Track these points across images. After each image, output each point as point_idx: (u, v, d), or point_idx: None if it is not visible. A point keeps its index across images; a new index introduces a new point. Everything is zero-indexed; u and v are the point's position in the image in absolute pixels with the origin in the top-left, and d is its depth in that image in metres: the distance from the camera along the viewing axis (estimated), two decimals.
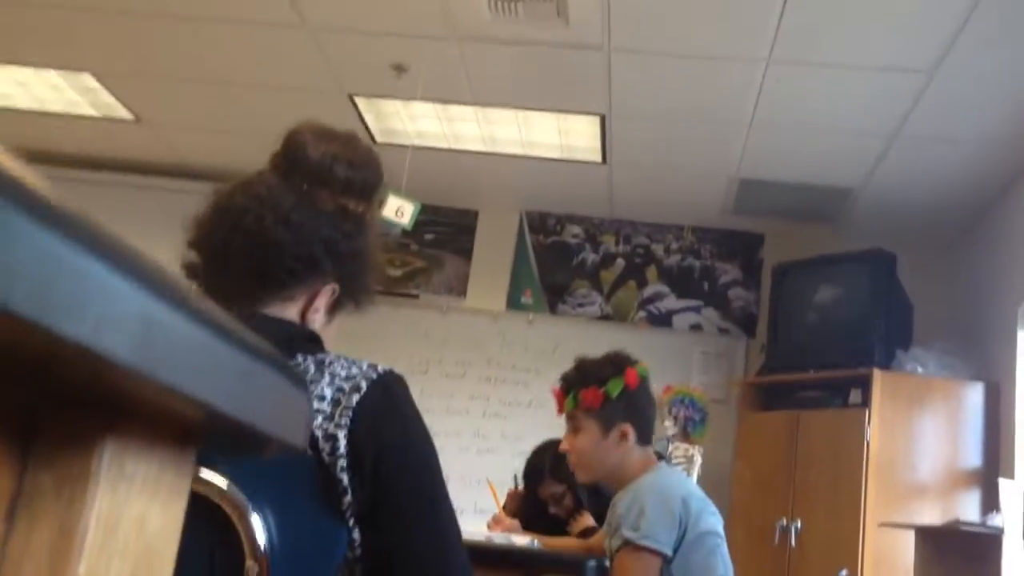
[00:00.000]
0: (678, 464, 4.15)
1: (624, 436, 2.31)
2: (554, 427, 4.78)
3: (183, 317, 0.34)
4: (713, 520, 2.29)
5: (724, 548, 2.30)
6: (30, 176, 0.28)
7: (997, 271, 4.45)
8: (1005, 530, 3.06)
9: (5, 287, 0.25)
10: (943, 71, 3.55)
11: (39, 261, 0.27)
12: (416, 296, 5.47)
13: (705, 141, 4.41)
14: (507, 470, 4.70)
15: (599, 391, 2.31)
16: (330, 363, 1.20)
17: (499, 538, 2.48)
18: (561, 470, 3.00)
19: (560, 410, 2.42)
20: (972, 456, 4.20)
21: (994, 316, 4.40)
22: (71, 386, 0.33)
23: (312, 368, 1.18)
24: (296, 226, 1.23)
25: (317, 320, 1.28)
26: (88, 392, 0.34)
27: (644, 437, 2.38)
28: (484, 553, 1.70)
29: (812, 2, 3.26)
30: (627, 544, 2.18)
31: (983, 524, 3.47)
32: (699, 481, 4.22)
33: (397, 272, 5.50)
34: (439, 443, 1.24)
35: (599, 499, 3.15)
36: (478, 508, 4.32)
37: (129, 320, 0.31)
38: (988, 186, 4.40)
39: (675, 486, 2.29)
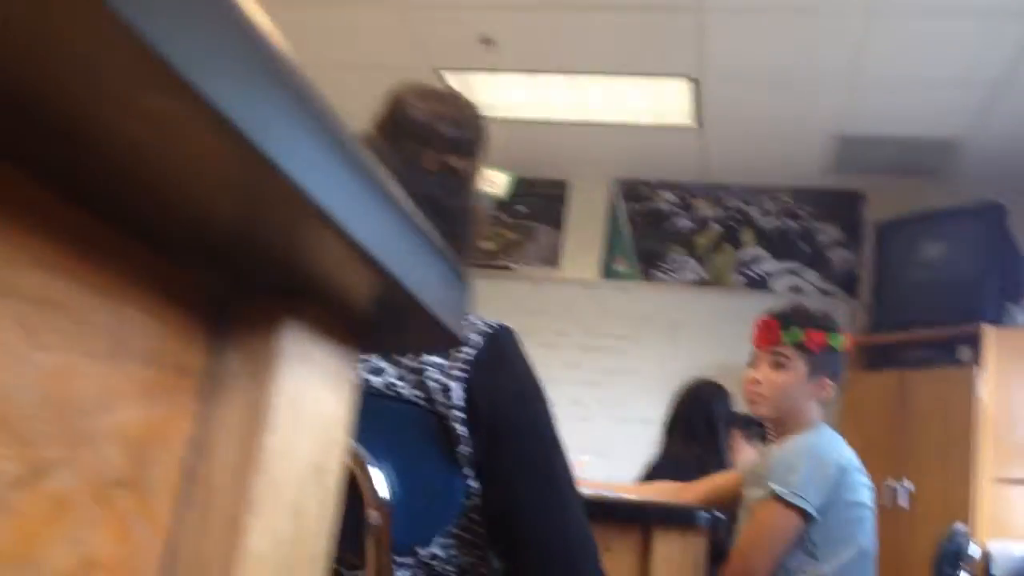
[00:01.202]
0: None
1: (824, 389, 2.29)
2: (652, 392, 4.77)
3: (376, 189, 0.36)
4: (865, 492, 2.23)
5: (871, 522, 2.24)
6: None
7: None
8: None
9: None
10: None
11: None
12: (510, 268, 5.50)
13: (803, 100, 4.31)
14: (605, 438, 4.73)
15: (825, 337, 2.30)
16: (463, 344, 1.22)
17: (608, 493, 2.49)
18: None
19: (764, 341, 2.36)
20: None
21: None
22: (255, 269, 0.35)
23: None
24: (402, 187, 1.25)
25: None
26: (273, 278, 0.36)
27: (827, 402, 2.36)
28: (594, 508, 1.72)
29: None
30: (773, 497, 2.15)
31: None
32: None
33: (491, 245, 5.53)
34: None
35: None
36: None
37: (331, 170, 0.33)
38: None
39: (834, 450, 2.23)
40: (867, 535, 2.21)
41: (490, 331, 1.20)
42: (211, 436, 0.37)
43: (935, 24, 3.58)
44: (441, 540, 1.17)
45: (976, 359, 4.08)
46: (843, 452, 2.25)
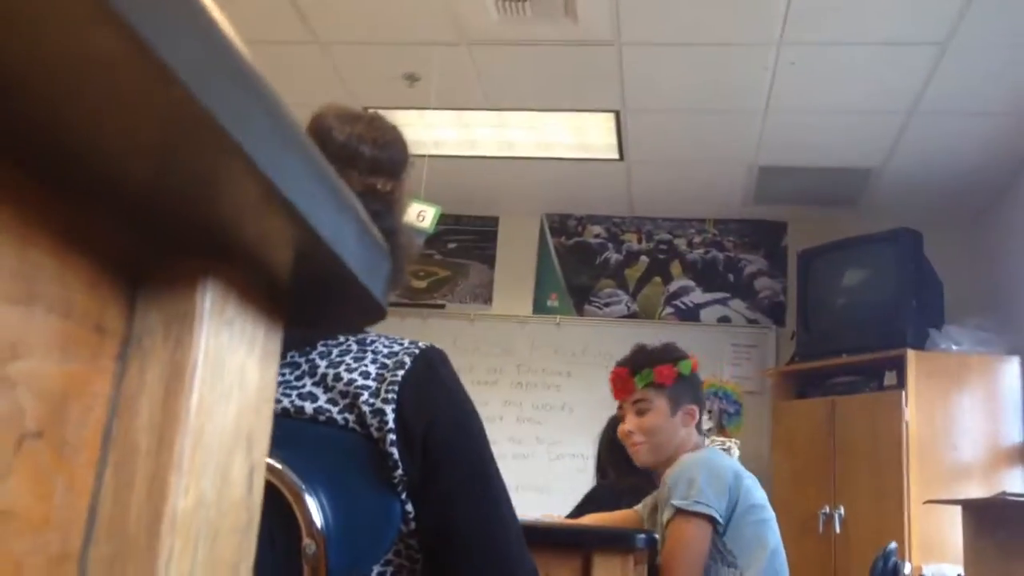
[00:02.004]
0: None
1: (691, 416, 2.34)
2: (588, 426, 4.77)
3: (306, 154, 0.35)
4: (761, 494, 2.29)
5: (775, 524, 2.29)
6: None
7: None
8: None
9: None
10: (955, 43, 3.53)
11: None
12: (443, 306, 5.48)
13: (722, 131, 4.41)
14: (544, 474, 4.71)
15: (674, 369, 2.34)
16: (372, 341, 1.20)
17: (546, 520, 2.47)
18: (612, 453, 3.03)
19: (622, 393, 2.42)
20: (1012, 430, 4.15)
21: None
22: (174, 227, 0.34)
23: (355, 346, 1.18)
24: None
25: None
26: (192, 235, 0.34)
27: (699, 424, 2.41)
28: (532, 534, 1.70)
29: None
30: (678, 513, 2.17)
31: None
32: None
33: (422, 283, 5.51)
34: None
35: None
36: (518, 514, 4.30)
37: (274, 139, 0.32)
38: (1010, 157, 4.37)
39: (725, 460, 2.29)
40: (775, 534, 2.25)
41: (419, 352, 1.19)
42: (131, 396, 0.35)
43: (846, 54, 3.70)
44: (379, 567, 1.14)
45: (901, 383, 4.17)
46: (734, 463, 2.31)
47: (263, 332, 0.41)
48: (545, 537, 1.72)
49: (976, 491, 3.78)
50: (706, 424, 4.67)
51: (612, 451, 3.20)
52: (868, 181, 4.75)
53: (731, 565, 2.19)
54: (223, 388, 0.37)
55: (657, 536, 2.25)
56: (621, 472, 3.14)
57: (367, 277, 0.41)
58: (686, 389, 2.36)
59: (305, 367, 1.16)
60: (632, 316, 5.30)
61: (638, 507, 2.54)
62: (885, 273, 4.46)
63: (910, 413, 4.10)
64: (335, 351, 1.18)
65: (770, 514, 2.29)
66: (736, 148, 4.54)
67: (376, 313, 0.46)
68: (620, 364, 2.43)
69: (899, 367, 4.21)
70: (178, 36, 0.27)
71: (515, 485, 4.51)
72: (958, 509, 3.52)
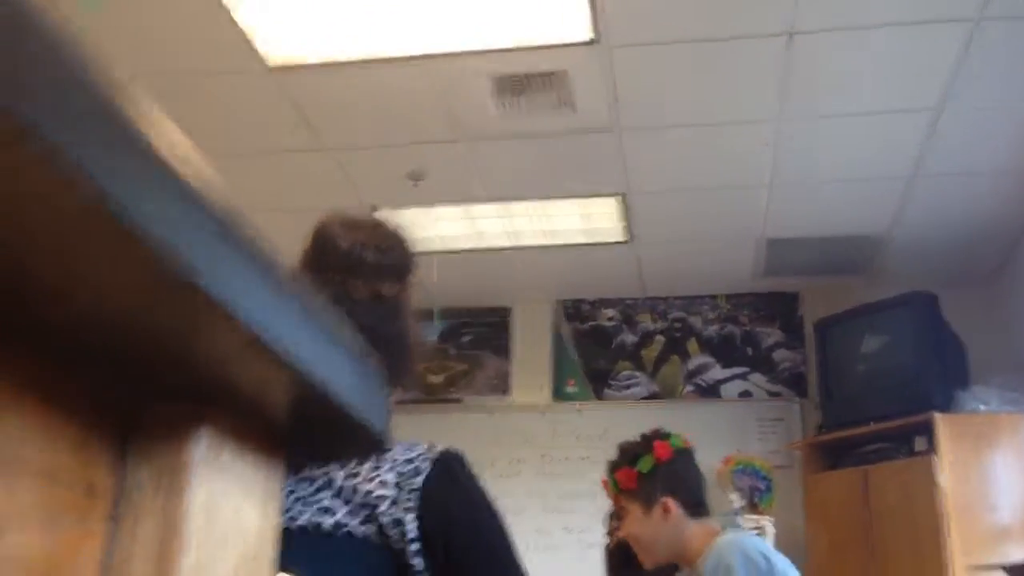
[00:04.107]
0: None
1: (667, 509, 2.30)
2: None
3: (293, 299, 0.34)
4: (794, 572, 2.24)
5: None
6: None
7: None
8: None
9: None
10: (950, 106, 3.57)
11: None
12: (460, 400, 5.45)
13: (728, 207, 4.43)
14: (574, 563, 4.60)
15: (631, 470, 2.33)
16: (387, 449, 1.18)
17: None
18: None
19: (611, 499, 2.43)
20: None
21: None
22: (162, 378, 0.33)
23: (371, 456, 1.17)
24: None
25: None
26: (182, 383, 0.33)
27: (694, 508, 2.36)
28: None
29: (811, 56, 3.30)
30: None
31: None
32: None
33: (438, 379, 5.49)
34: None
35: None
36: None
37: (237, 268, 0.31)
38: (1017, 212, 4.36)
39: (755, 542, 2.25)
40: None
41: (437, 457, 1.17)
42: (123, 557, 0.34)
43: (844, 125, 3.74)
44: None
45: (932, 448, 4.09)
46: (764, 544, 2.27)
47: (263, 474, 0.40)
48: None
49: (1018, 552, 3.67)
50: (738, 503, 4.59)
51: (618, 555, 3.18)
52: (877, 247, 4.75)
53: None
54: (220, 540, 0.36)
55: None
56: (624, 565, 3.10)
57: (364, 411, 0.40)
58: (654, 484, 2.32)
59: (322, 480, 1.14)
60: (652, 397, 5.25)
61: None
62: (903, 337, 4.42)
63: (944, 477, 4.02)
64: (352, 462, 1.16)
65: None
66: (743, 223, 4.56)
67: (376, 444, 0.45)
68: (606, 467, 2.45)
69: (928, 431, 4.14)
70: (146, 194, 0.26)
71: None
72: (1002, 573, 3.42)
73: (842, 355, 4.62)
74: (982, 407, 4.19)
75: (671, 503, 2.31)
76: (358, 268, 1.28)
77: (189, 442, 0.35)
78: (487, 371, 5.47)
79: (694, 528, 2.32)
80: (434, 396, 5.44)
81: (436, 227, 4.65)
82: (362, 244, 1.30)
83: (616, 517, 3.46)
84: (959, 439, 4.09)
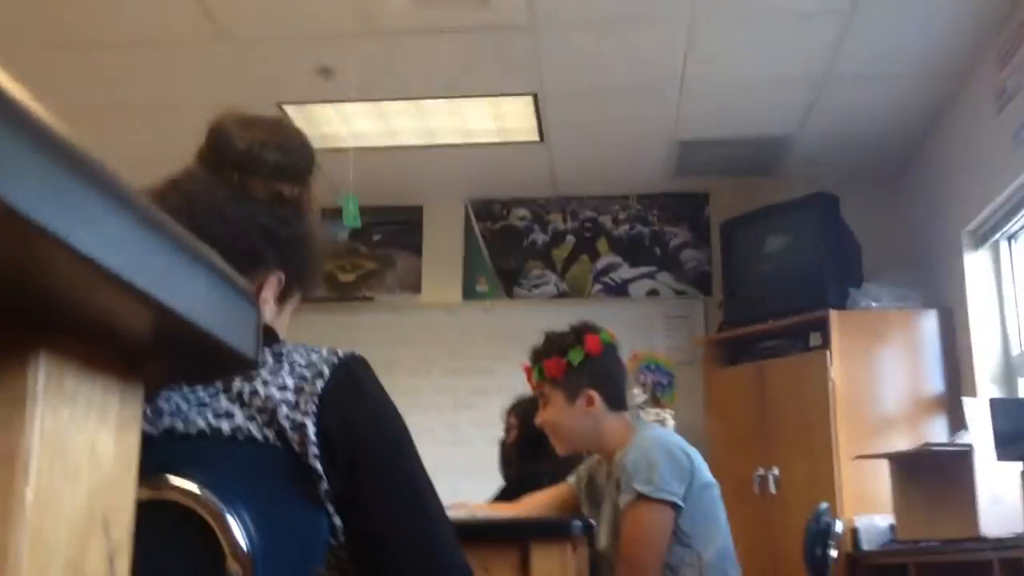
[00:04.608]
0: None
1: (590, 402, 2.35)
2: None
3: (140, 219, 0.33)
4: (708, 471, 2.34)
5: (721, 499, 2.35)
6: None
7: (938, 198, 4.54)
8: (974, 445, 3.13)
9: None
10: (861, 8, 3.60)
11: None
12: (371, 298, 5.45)
13: (640, 108, 4.44)
14: (482, 457, 4.72)
15: (561, 360, 2.36)
16: (288, 352, 1.18)
17: (482, 514, 2.49)
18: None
19: (532, 386, 2.46)
20: (934, 381, 4.29)
21: (940, 243, 4.49)
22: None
23: (270, 359, 1.16)
24: (232, 220, 1.21)
25: (267, 311, 1.25)
26: (17, 303, 0.32)
27: (615, 403, 2.42)
28: (469, 530, 1.71)
29: None
30: (640, 498, 2.20)
31: (952, 443, 3.55)
32: None
33: (349, 277, 5.47)
34: None
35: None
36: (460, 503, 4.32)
37: (92, 213, 0.31)
38: (920, 118, 4.48)
39: (677, 439, 2.33)
40: (723, 510, 2.31)
41: (338, 361, 1.17)
42: None
43: (756, 25, 3.75)
44: None
45: (826, 343, 4.27)
46: (682, 440, 2.36)
47: (117, 400, 0.39)
48: (482, 532, 1.73)
49: (902, 443, 3.89)
50: (640, 397, 4.75)
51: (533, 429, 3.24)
52: (785, 149, 4.84)
53: (687, 546, 2.23)
54: (70, 466, 0.36)
55: (593, 521, 2.29)
56: (539, 453, 3.19)
57: (226, 332, 0.40)
58: (581, 376, 2.36)
59: (219, 384, 1.14)
60: (562, 296, 5.33)
61: (571, 480, 2.56)
62: (805, 238, 4.55)
63: (835, 371, 4.21)
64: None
65: (717, 490, 2.34)
66: (655, 124, 4.58)
67: (242, 364, 0.45)
68: (529, 354, 2.47)
69: (822, 328, 4.31)
70: None
71: (453, 472, 4.52)
72: (885, 462, 3.64)
73: (746, 255, 4.75)
74: (874, 304, 4.37)
75: (595, 396, 2.36)
76: (257, 167, 1.25)
77: (26, 371, 0.35)
78: (398, 270, 5.47)
79: (613, 421, 2.38)
80: (345, 295, 5.43)
81: (347, 124, 4.56)
82: (261, 143, 1.26)
83: (514, 414, 3.55)
84: (851, 335, 4.27)
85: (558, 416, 2.38)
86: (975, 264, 4.18)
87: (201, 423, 1.11)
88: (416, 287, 5.43)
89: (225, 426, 1.11)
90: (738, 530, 4.34)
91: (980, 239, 4.18)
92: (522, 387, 5.26)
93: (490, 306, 5.34)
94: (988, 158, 3.88)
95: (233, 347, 0.42)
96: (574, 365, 2.36)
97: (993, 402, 2.68)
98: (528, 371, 2.46)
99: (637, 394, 4.70)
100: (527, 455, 3.41)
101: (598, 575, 2.32)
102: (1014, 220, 3.90)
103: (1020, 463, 2.17)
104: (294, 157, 1.29)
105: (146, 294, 0.34)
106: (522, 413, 3.34)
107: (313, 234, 1.30)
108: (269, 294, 1.26)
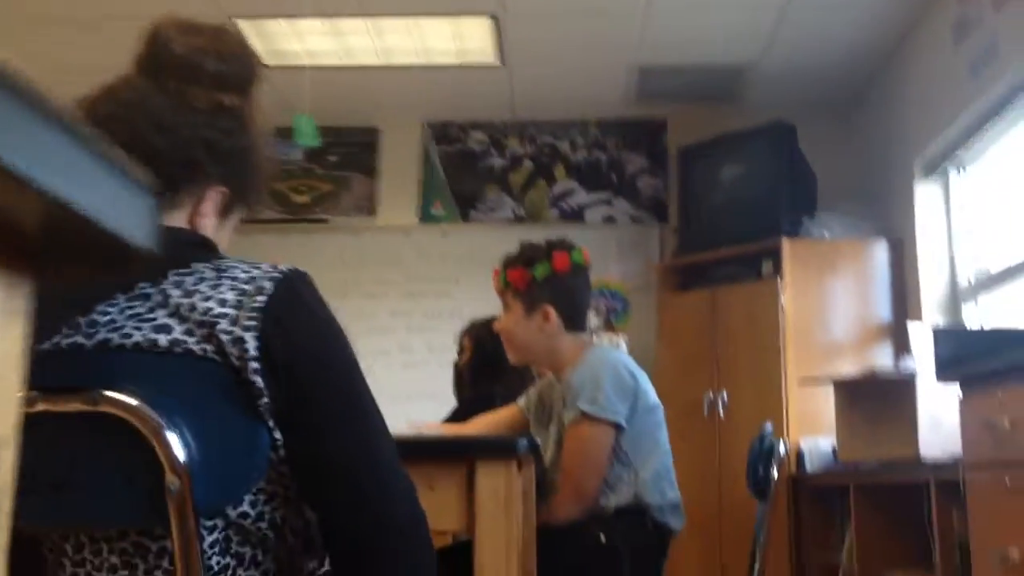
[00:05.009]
0: None
1: (547, 317, 2.37)
2: None
3: (22, 100, 0.32)
4: (654, 394, 2.37)
5: (664, 423, 2.39)
6: None
7: (892, 129, 4.57)
8: (917, 370, 3.21)
9: None
10: None
11: None
12: (326, 221, 5.40)
13: (600, 31, 4.38)
14: (437, 380, 4.76)
15: (527, 272, 2.37)
16: (229, 267, 1.16)
17: (429, 432, 2.52)
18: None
19: (496, 291, 2.48)
20: (882, 310, 4.37)
21: (892, 173, 4.53)
22: None
23: (210, 273, 1.15)
24: (171, 129, 1.18)
25: (207, 225, 1.23)
26: None
27: (573, 323, 2.44)
28: (415, 448, 1.72)
29: None
30: (584, 416, 2.23)
31: (896, 369, 3.63)
32: None
33: (304, 198, 5.40)
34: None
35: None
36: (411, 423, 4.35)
37: None
38: (879, 47, 4.48)
39: (624, 359, 2.36)
40: (665, 434, 2.35)
41: (280, 276, 1.15)
42: None
43: None
44: (250, 497, 1.13)
45: (777, 271, 4.32)
46: (630, 361, 2.39)
47: (2, 295, 0.38)
48: (428, 450, 1.75)
49: (849, 369, 3.98)
50: (594, 322, 4.78)
51: (487, 352, 3.25)
52: (743, 77, 4.82)
53: (626, 464, 2.27)
54: None
55: (540, 440, 2.32)
56: (495, 373, 3.22)
57: (118, 221, 0.39)
58: (543, 291, 2.38)
59: (158, 298, 1.12)
60: (518, 220, 5.32)
61: (520, 403, 2.58)
62: (761, 166, 4.57)
63: (786, 299, 4.27)
64: (189, 280, 1.14)
65: (661, 414, 2.38)
66: (616, 48, 4.53)
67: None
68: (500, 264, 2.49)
69: (775, 256, 4.35)
70: None
71: (408, 394, 4.56)
72: (831, 387, 3.72)
73: (702, 182, 4.75)
74: (826, 233, 4.42)
75: (552, 312, 2.38)
76: (197, 76, 1.21)
77: None
78: (354, 192, 5.41)
79: (567, 340, 2.41)
80: (299, 216, 5.37)
81: (302, 41, 4.46)
82: (201, 50, 1.22)
83: (468, 336, 3.57)
84: (803, 263, 4.33)
85: (514, 326, 2.42)
86: (925, 194, 4.23)
87: (138, 336, 1.10)
88: (372, 210, 5.39)
89: (163, 339, 1.10)
90: (687, 451, 4.46)
91: (931, 169, 4.22)
92: (477, 310, 5.29)
93: (446, 230, 5.33)
94: (943, 89, 3.90)
95: (127, 239, 0.40)
96: (538, 279, 2.38)
97: (936, 328, 2.74)
98: (496, 276, 2.48)
99: (591, 318, 4.74)
100: (480, 377, 3.44)
101: (544, 492, 2.37)
102: (965, 150, 3.94)
103: (958, 385, 2.22)
104: (236, 66, 1.25)
105: (28, 180, 0.33)
106: (476, 335, 3.35)
107: (257, 148, 1.27)
108: (209, 208, 1.23)
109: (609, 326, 4.91)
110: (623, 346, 4.46)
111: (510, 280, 2.40)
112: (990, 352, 1.98)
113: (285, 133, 3.85)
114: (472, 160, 5.41)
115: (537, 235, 5.15)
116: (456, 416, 3.20)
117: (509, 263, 2.44)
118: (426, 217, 5.37)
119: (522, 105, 5.23)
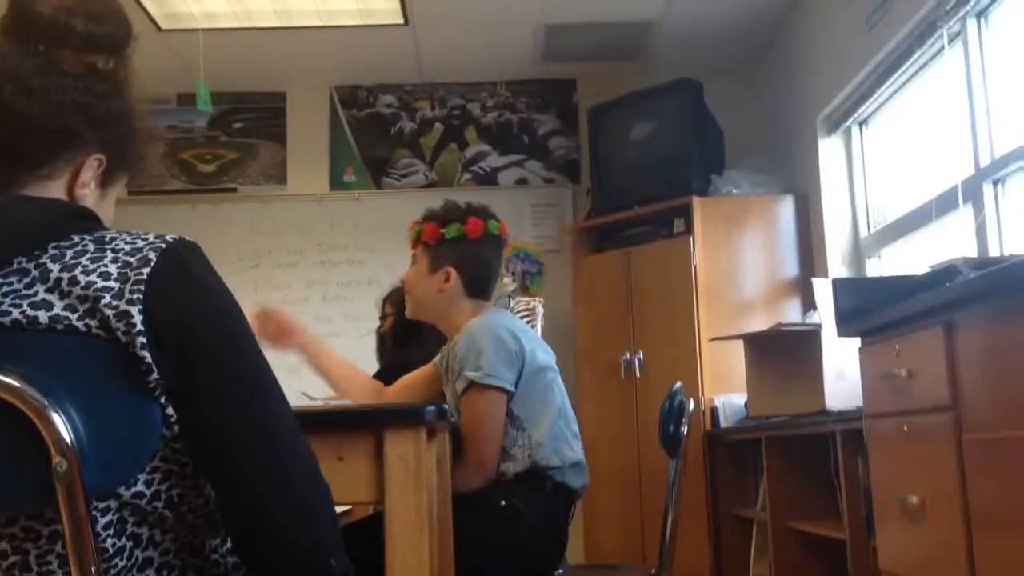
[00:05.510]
0: (523, 317, 4.25)
1: (447, 278, 2.38)
2: None
3: None
4: (545, 356, 2.38)
5: (559, 380, 2.40)
6: None
7: (795, 85, 4.64)
8: (821, 323, 3.29)
9: None
10: None
11: None
12: (234, 189, 5.27)
13: None
14: (355, 348, 4.72)
15: (438, 230, 2.39)
16: (112, 239, 1.11)
17: (336, 402, 2.49)
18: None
19: (411, 244, 2.51)
20: (790, 265, 4.46)
21: (797, 129, 4.60)
22: None
23: (92, 246, 1.09)
24: (41, 94, 1.12)
25: (88, 196, 1.18)
26: None
27: (475, 289, 2.44)
28: (322, 419, 1.70)
29: None
30: (472, 385, 2.24)
31: (802, 323, 3.71)
32: (543, 330, 4.34)
33: (210, 167, 5.26)
34: None
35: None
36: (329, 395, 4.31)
37: None
38: (778, 4, 4.53)
39: (505, 323, 2.35)
40: (561, 393, 2.37)
41: (166, 246, 1.11)
42: None
43: None
44: (145, 476, 1.09)
45: (689, 229, 4.37)
46: (514, 322, 2.40)
47: None
48: (335, 421, 1.72)
49: (760, 325, 4.05)
50: (511, 286, 4.78)
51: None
52: (650, 34, 4.83)
53: (520, 428, 2.29)
54: None
55: (447, 404, 2.31)
56: (411, 338, 3.23)
57: None
58: (450, 252, 2.41)
59: (36, 273, 1.07)
60: (431, 185, 5.27)
61: (436, 361, 2.58)
62: (669, 124, 4.59)
63: (698, 257, 4.32)
64: (69, 253, 1.09)
65: (553, 373, 2.39)
66: (522, 6, 4.49)
67: None
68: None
69: (686, 214, 4.40)
70: None
71: None
72: (742, 343, 3.79)
73: (612, 142, 4.76)
74: (734, 191, 4.48)
75: (453, 274, 2.40)
76: (65, 38, 1.15)
77: None
78: (262, 159, 5.29)
79: (465, 305, 2.42)
80: (205, 185, 5.23)
81: (198, 3, 4.31)
82: (69, 10, 1.16)
83: (390, 302, 3.55)
84: (713, 221, 4.38)
85: (416, 280, 2.46)
86: (828, 150, 4.32)
87: (16, 314, 1.05)
88: (281, 177, 5.28)
89: (43, 316, 1.05)
90: (605, 412, 4.53)
91: (833, 125, 4.31)
92: (392, 277, 5.25)
93: (358, 197, 5.25)
94: (843, 43, 3.96)
95: None
96: (447, 238, 2.40)
97: (835, 282, 2.80)
98: (412, 225, 2.49)
99: (508, 283, 4.74)
100: (402, 342, 3.44)
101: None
102: (865, 106, 4.02)
103: (858, 339, 2.28)
104: (108, 26, 1.19)
105: None
106: (397, 301, 3.34)
107: (135, 112, 1.22)
108: (89, 176, 1.18)
109: (525, 290, 4.91)
110: (539, 309, 4.47)
111: (423, 233, 2.42)
112: (888, 303, 2.02)
113: (187, 100, 3.74)
114: (382, 124, 5.33)
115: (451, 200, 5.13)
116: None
117: (426, 217, 2.46)
118: (338, 184, 5.28)
119: (430, 67, 5.16)
